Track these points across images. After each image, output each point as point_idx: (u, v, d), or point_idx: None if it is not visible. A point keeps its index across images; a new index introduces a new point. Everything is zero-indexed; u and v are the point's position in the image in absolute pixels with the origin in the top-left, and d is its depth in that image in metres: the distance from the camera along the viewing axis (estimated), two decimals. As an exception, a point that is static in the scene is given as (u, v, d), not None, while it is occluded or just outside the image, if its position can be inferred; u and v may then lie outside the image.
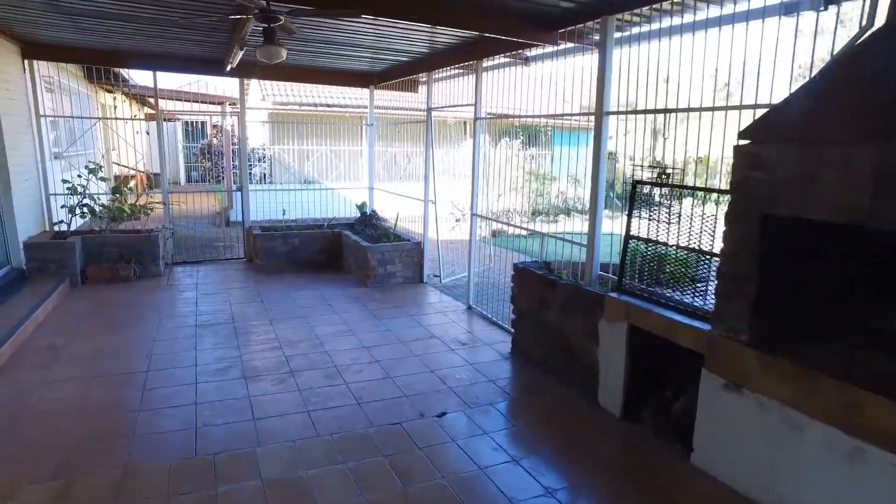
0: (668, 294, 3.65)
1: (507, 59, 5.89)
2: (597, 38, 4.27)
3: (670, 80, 3.89)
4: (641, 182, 3.91)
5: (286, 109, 13.53)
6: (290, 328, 5.43)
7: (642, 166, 3.90)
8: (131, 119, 10.96)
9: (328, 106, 13.93)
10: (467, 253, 8.54)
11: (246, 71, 7.79)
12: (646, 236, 3.86)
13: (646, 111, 4.01)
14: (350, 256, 7.71)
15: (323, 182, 13.27)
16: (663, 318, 3.44)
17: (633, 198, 3.92)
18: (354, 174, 13.95)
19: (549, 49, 5.24)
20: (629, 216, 3.92)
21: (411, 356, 4.84)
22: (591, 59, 4.67)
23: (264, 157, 14.60)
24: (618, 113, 4.19)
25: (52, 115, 7.57)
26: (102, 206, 7.16)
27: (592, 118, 4.29)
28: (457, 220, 13.14)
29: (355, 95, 14.67)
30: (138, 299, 6.23)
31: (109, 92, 12.94)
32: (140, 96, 14.39)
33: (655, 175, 3.89)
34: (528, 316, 4.75)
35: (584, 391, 4.12)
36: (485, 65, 5.89)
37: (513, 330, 5.05)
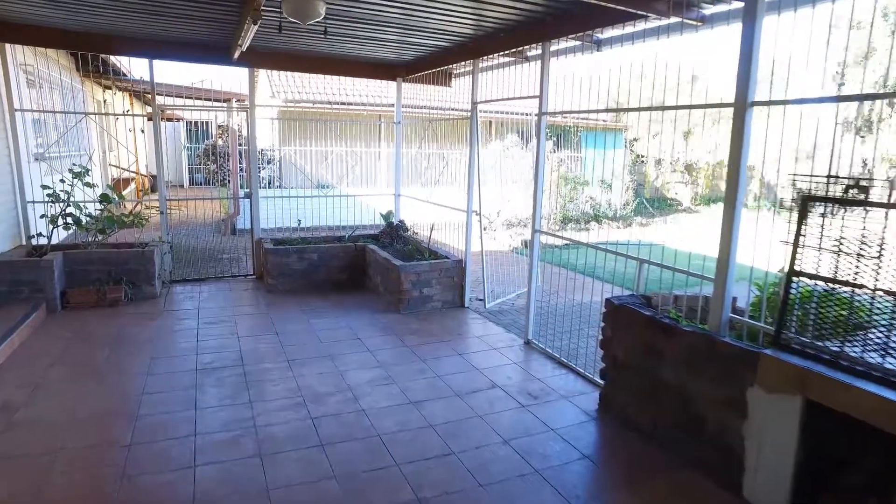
0: (864, 357, 2.55)
1: (576, 43, 4.82)
2: (740, 3, 3.18)
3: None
4: (816, 198, 2.79)
5: (299, 107, 12.47)
6: (315, 374, 4.34)
7: (831, 179, 2.77)
8: (123, 115, 9.86)
9: (342, 104, 12.87)
10: (513, 271, 7.52)
11: (256, 59, 6.73)
12: (816, 271, 2.76)
13: (803, 101, 2.92)
14: (377, 276, 6.62)
15: (339, 187, 12.21)
16: (879, 400, 2.33)
17: (803, 218, 2.82)
18: (373, 178, 12.88)
19: (629, 29, 4.16)
20: (795, 244, 2.82)
21: (473, 416, 3.75)
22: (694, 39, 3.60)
23: (273, 159, 13.56)
24: (769, 103, 3.07)
25: (28, 110, 6.50)
26: (89, 215, 6.10)
27: (733, 110, 3.17)
28: (483, 229, 12.08)
29: (373, 93, 13.60)
30: (128, 331, 5.15)
31: (108, 88, 11.91)
32: (143, 93, 13.35)
33: (843, 187, 2.77)
34: (627, 368, 3.64)
35: (719, 478, 3.02)
36: (553, 48, 4.80)
37: (601, 381, 3.95)
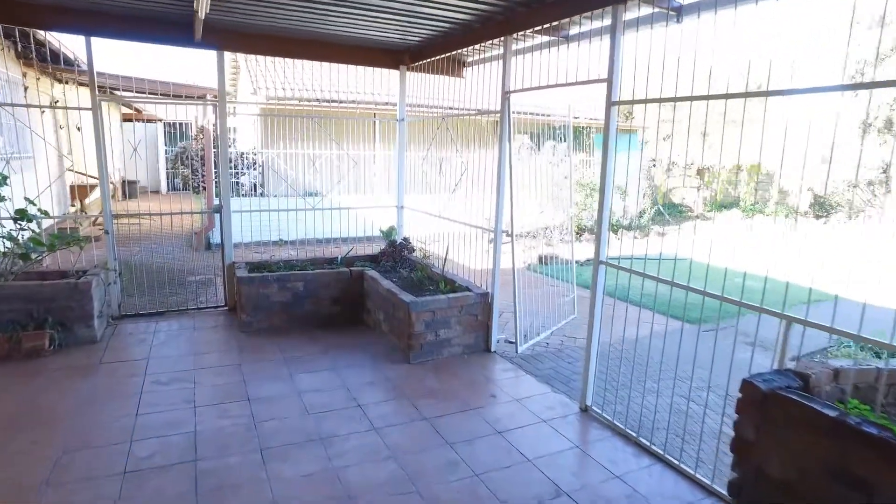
0: None
1: (647, 12, 3.55)
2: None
3: None
4: None
5: (283, 104, 11.10)
6: (301, 475, 3.00)
7: None
8: (52, 107, 8.30)
9: (335, 102, 11.52)
10: (537, 296, 6.12)
11: (226, 40, 5.38)
12: None
13: None
14: (378, 311, 5.29)
15: (329, 195, 10.86)
16: None
17: None
18: (368, 185, 11.53)
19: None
20: None
21: (542, 561, 2.43)
22: None
23: (255, 164, 12.17)
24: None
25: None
26: (6, 236, 4.70)
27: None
28: (490, 242, 10.78)
29: (371, 89, 12.28)
30: (41, 400, 3.77)
31: (61, 82, 10.46)
32: (110, 89, 11.89)
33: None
34: (789, 491, 2.34)
35: None
36: (626, 17, 3.51)
37: (730, 496, 2.66)
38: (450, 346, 4.80)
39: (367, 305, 5.62)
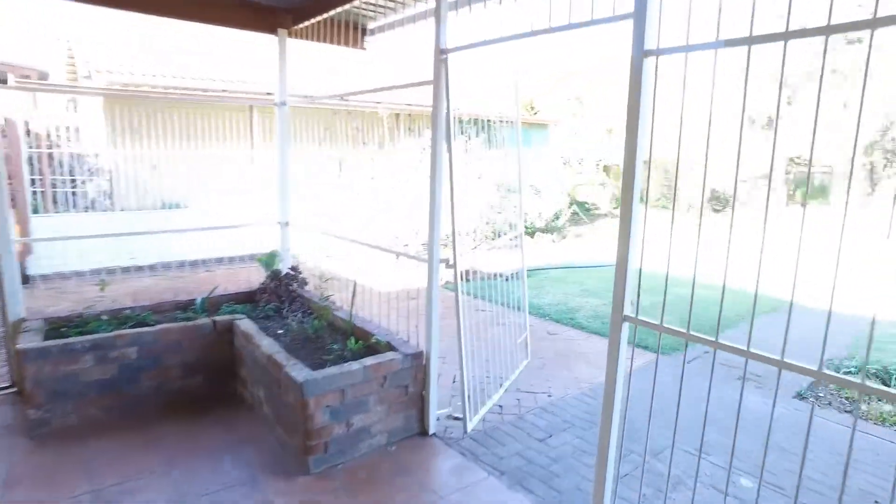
0: None
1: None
2: None
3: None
4: None
5: (130, 92, 8.76)
6: None
7: None
8: None
9: (200, 90, 9.34)
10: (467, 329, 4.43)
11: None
12: None
13: None
14: (258, 386, 3.54)
15: (190, 205, 8.71)
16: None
17: None
18: (249, 192, 9.49)
19: None
20: None
21: None
22: None
23: (99, 170, 9.65)
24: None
25: None
26: None
27: None
28: (397, 256, 9.21)
29: (247, 76, 10.20)
30: None
31: None
32: None
33: None
34: None
35: None
36: None
37: None
38: (369, 436, 3.19)
39: (240, 374, 3.85)
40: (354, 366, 3.09)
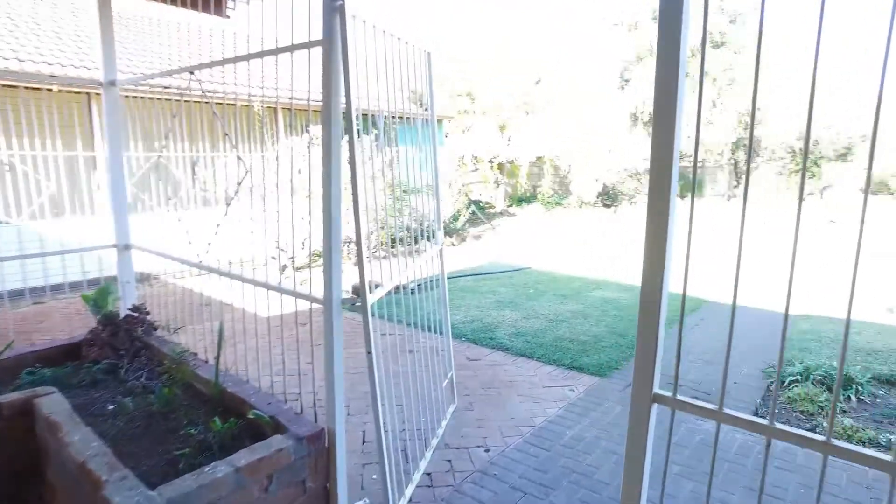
0: None
1: None
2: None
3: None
4: None
5: None
6: None
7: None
8: None
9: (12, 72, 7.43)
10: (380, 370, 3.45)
11: None
12: None
13: None
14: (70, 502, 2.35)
15: (15, 220, 6.89)
16: None
17: None
18: (92, 202, 7.74)
19: None
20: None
21: None
22: None
23: None
24: None
25: None
26: None
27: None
28: (282, 270, 7.99)
29: (77, 58, 8.37)
30: None
31: None
32: None
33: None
34: None
35: None
36: None
37: None
38: (249, 567, 2.15)
39: (48, 477, 2.61)
40: (221, 469, 2.04)
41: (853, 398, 4.09)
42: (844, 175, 17.75)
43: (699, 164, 19.55)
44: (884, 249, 9.36)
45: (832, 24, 15.86)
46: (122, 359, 3.14)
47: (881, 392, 4.24)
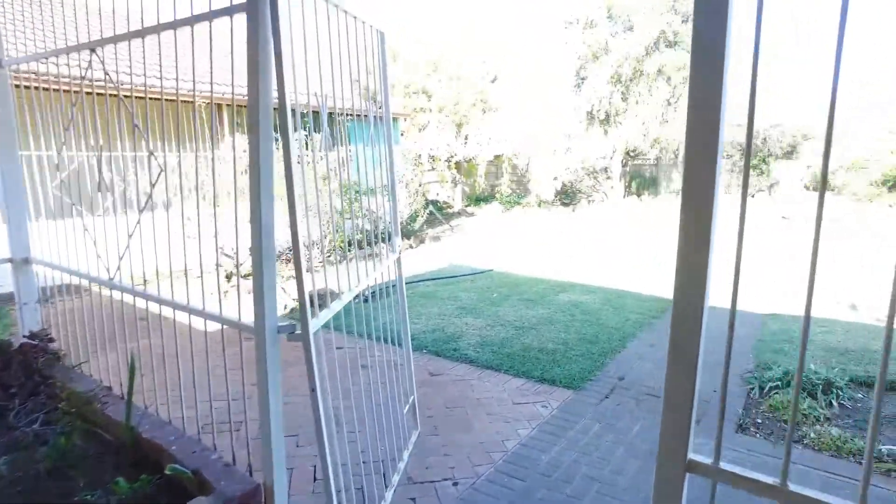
0: None
1: None
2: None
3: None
4: None
5: None
6: None
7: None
8: None
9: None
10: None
11: None
12: None
13: None
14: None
15: None
16: None
17: None
18: None
19: None
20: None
21: None
22: None
23: None
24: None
25: None
26: None
27: None
28: (227, 278, 7.38)
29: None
30: None
31: None
32: None
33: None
34: None
35: None
36: None
37: None
38: None
39: None
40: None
41: (834, 403, 3.91)
42: (788, 172, 18.29)
43: (653, 163, 19.70)
44: (838, 246, 9.49)
45: (775, 24, 16.27)
46: (13, 399, 2.60)
47: (860, 395, 4.09)
